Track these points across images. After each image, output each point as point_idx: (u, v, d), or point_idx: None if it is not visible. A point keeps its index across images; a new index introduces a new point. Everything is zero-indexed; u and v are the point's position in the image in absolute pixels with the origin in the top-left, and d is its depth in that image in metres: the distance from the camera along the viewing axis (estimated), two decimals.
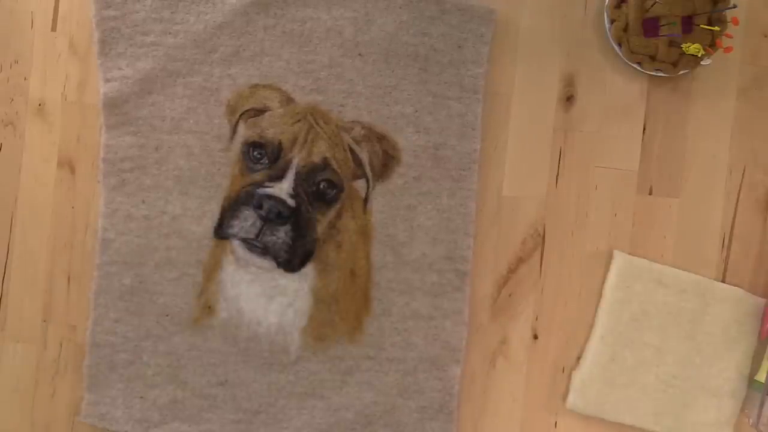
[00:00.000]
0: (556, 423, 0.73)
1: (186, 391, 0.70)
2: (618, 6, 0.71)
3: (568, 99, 0.73)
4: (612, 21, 0.71)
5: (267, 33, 0.70)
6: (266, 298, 0.70)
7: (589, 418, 0.73)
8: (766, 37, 0.74)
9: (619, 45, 0.71)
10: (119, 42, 0.69)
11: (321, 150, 0.69)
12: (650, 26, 0.71)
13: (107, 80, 0.69)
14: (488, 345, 0.73)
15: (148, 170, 0.69)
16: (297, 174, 0.69)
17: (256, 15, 0.69)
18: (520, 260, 0.73)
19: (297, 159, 0.69)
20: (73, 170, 0.71)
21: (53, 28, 0.72)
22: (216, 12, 0.69)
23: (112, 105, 0.69)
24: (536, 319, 0.73)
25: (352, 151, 0.70)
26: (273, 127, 0.69)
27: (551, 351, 0.73)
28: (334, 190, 0.70)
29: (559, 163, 0.73)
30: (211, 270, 0.70)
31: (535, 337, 0.73)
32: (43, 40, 0.71)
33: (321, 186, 0.69)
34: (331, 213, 0.70)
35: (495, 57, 0.73)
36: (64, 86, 0.71)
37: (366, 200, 0.70)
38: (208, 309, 0.70)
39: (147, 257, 0.69)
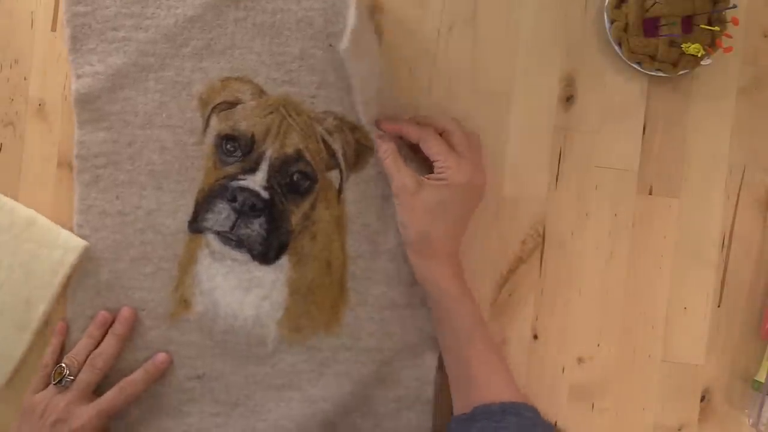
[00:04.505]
0: (556, 423, 0.73)
1: (164, 386, 0.70)
2: (618, 6, 0.71)
3: (568, 99, 0.73)
4: (612, 21, 0.71)
5: (238, 26, 0.69)
6: (242, 290, 0.70)
7: (589, 419, 0.73)
8: (766, 37, 0.74)
9: (619, 45, 0.71)
10: (90, 38, 0.69)
11: (294, 141, 0.69)
12: (650, 26, 0.71)
13: (79, 76, 0.69)
14: None
15: (121, 166, 0.69)
16: (270, 166, 0.69)
17: (227, 8, 0.69)
18: (520, 260, 0.73)
19: (270, 151, 0.69)
20: (73, 170, 0.71)
21: (53, 28, 0.72)
22: (186, 6, 0.69)
23: (84, 101, 0.69)
24: (536, 319, 0.73)
25: (325, 141, 0.70)
26: (245, 120, 0.69)
27: (551, 351, 0.73)
28: (308, 182, 0.70)
29: (559, 163, 0.73)
30: (187, 264, 0.70)
31: (535, 337, 0.73)
32: (43, 40, 0.71)
33: (294, 177, 0.69)
34: (306, 204, 0.70)
35: (494, 57, 0.73)
36: (64, 86, 0.71)
37: (340, 191, 0.70)
38: (185, 303, 0.70)
39: (122, 253, 0.69)
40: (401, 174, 0.66)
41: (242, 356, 0.70)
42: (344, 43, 0.60)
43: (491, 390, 0.65)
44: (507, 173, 0.73)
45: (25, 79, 0.71)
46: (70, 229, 0.70)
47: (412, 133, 0.67)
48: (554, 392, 0.73)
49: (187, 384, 0.70)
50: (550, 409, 0.73)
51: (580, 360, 0.73)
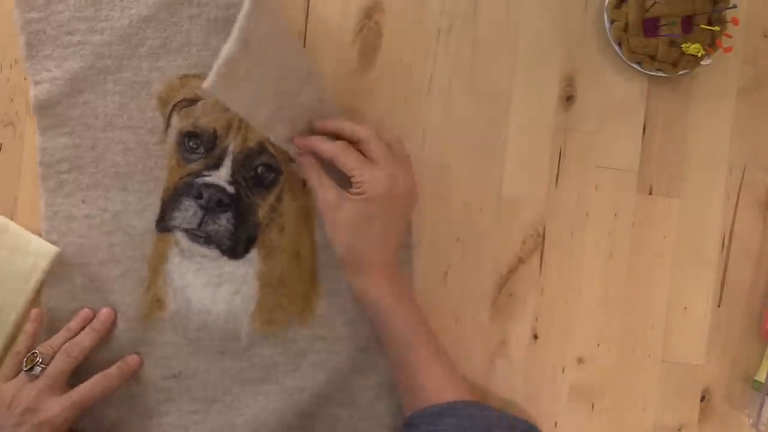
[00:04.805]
0: (556, 423, 0.73)
1: (141, 386, 0.70)
2: (618, 6, 0.71)
3: (568, 99, 0.73)
4: (612, 21, 0.71)
5: (192, 23, 0.69)
6: (213, 286, 0.70)
7: (589, 419, 0.73)
8: (766, 37, 0.74)
9: (619, 45, 0.71)
10: (45, 44, 0.69)
11: (256, 135, 0.69)
12: (650, 26, 0.71)
13: (37, 83, 0.69)
14: (488, 346, 0.73)
15: (85, 170, 0.69)
16: (234, 160, 0.69)
17: (180, 5, 0.69)
18: (520, 260, 0.73)
19: (233, 145, 0.69)
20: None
21: None
22: (140, 6, 0.69)
23: (44, 107, 0.69)
24: (536, 319, 0.73)
25: None
26: (206, 116, 0.69)
27: (551, 351, 0.73)
28: (273, 174, 0.70)
29: (559, 163, 0.73)
30: (157, 263, 0.70)
31: (535, 337, 0.73)
32: None
33: (259, 170, 0.69)
34: (271, 197, 0.70)
35: (494, 57, 0.73)
36: None
37: (305, 181, 0.70)
38: (157, 302, 0.70)
39: (91, 256, 0.69)
40: (324, 189, 0.65)
41: (217, 352, 0.70)
42: (206, 82, 0.58)
43: (433, 394, 0.64)
44: (507, 173, 0.73)
45: (25, 79, 0.71)
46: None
47: (324, 150, 0.65)
48: (554, 392, 0.73)
49: (163, 383, 0.70)
50: (550, 409, 0.73)
51: (580, 360, 0.73)
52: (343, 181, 0.65)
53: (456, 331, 0.73)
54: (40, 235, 0.69)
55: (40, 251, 0.68)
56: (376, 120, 0.72)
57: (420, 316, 0.67)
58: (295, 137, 0.66)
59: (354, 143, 0.66)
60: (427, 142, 0.73)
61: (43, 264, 0.68)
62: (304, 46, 0.72)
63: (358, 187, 0.64)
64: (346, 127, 0.66)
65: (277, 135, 0.66)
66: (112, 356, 0.69)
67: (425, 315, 0.68)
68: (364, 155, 0.65)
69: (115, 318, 0.69)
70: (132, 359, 0.69)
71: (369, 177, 0.63)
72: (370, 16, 0.72)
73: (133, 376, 0.69)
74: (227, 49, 0.58)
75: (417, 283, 0.72)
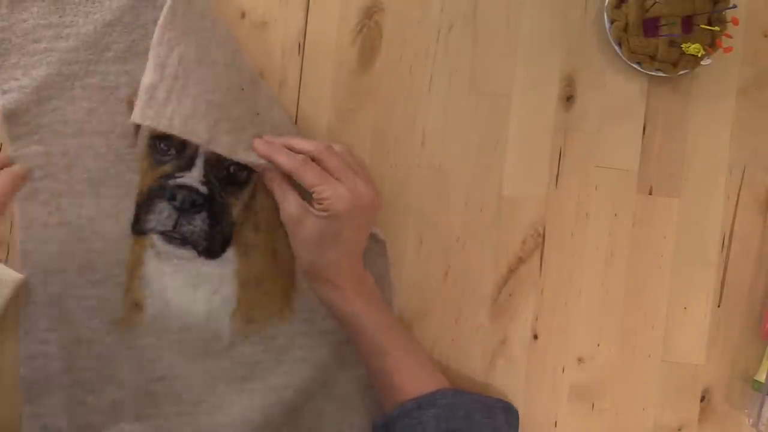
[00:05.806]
0: (556, 423, 0.73)
1: (125, 391, 0.69)
2: (618, 6, 0.71)
3: (568, 99, 0.73)
4: (612, 21, 0.71)
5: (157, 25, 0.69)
6: (192, 287, 0.70)
7: (589, 419, 0.73)
8: (766, 37, 0.74)
9: (619, 45, 0.71)
10: (11, 52, 0.68)
11: None
12: (650, 26, 0.71)
13: (4, 92, 0.68)
14: (488, 346, 0.73)
15: (58, 177, 0.69)
16: (206, 161, 0.68)
17: (144, 8, 0.69)
18: (520, 260, 0.73)
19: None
20: None
21: None
22: (104, 11, 0.69)
23: (13, 116, 0.68)
24: (536, 319, 0.73)
25: None
26: None
27: (551, 351, 0.73)
28: (245, 172, 0.69)
29: (559, 163, 0.73)
30: (134, 267, 0.69)
31: (535, 337, 0.73)
32: None
33: (231, 169, 0.69)
34: (245, 195, 0.69)
35: (494, 57, 0.73)
36: None
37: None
38: (136, 306, 0.69)
39: (68, 263, 0.68)
40: (287, 201, 0.64)
41: (200, 353, 0.70)
42: (133, 115, 0.60)
43: (411, 392, 0.63)
44: (507, 173, 0.73)
45: None
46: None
47: (283, 164, 0.63)
48: (554, 392, 0.73)
49: (147, 387, 0.69)
50: (550, 409, 0.73)
51: (580, 360, 0.73)
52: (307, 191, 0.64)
53: (456, 331, 0.73)
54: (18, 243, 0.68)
55: (4, 279, 0.67)
56: (376, 120, 0.72)
57: (390, 318, 0.67)
58: (255, 142, 0.65)
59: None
60: (427, 142, 0.73)
61: (7, 292, 0.67)
62: (304, 46, 0.72)
63: (321, 204, 0.62)
64: (296, 143, 0.65)
65: (223, 148, 0.65)
66: (92, 362, 0.68)
67: (396, 317, 0.67)
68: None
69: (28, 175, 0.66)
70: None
71: (331, 193, 0.62)
72: (370, 16, 0.72)
73: (115, 382, 0.68)
74: (145, 77, 0.61)
75: (416, 283, 0.72)
